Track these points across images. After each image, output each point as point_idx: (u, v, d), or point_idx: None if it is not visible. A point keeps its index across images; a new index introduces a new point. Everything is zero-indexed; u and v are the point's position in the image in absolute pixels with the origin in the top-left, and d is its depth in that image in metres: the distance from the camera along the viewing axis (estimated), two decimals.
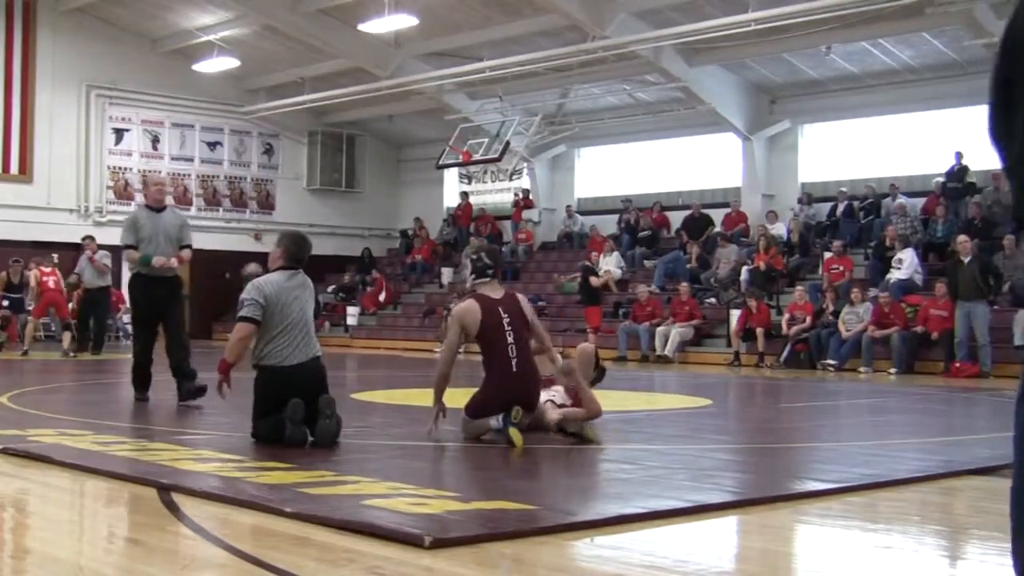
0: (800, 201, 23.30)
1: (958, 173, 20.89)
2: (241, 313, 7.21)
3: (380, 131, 31.69)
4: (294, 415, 6.91)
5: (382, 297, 28.33)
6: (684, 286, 21.23)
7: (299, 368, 7.18)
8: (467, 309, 7.46)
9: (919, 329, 17.59)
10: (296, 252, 7.51)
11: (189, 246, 10.49)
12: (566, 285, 24.56)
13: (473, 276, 7.71)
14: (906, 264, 19.19)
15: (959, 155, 20.90)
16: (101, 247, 19.93)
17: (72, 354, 18.66)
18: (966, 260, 17.00)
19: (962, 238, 17.51)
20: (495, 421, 7.28)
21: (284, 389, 7.00)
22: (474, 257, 7.74)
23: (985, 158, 21.07)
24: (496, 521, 4.69)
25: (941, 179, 21.15)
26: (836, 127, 24.13)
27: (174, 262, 10.23)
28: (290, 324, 7.21)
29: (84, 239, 20.76)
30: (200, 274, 29.48)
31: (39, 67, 26.78)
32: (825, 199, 23.47)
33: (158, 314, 10.34)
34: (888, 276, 19.31)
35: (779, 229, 22.71)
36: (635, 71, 24.13)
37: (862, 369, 17.69)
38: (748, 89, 24.18)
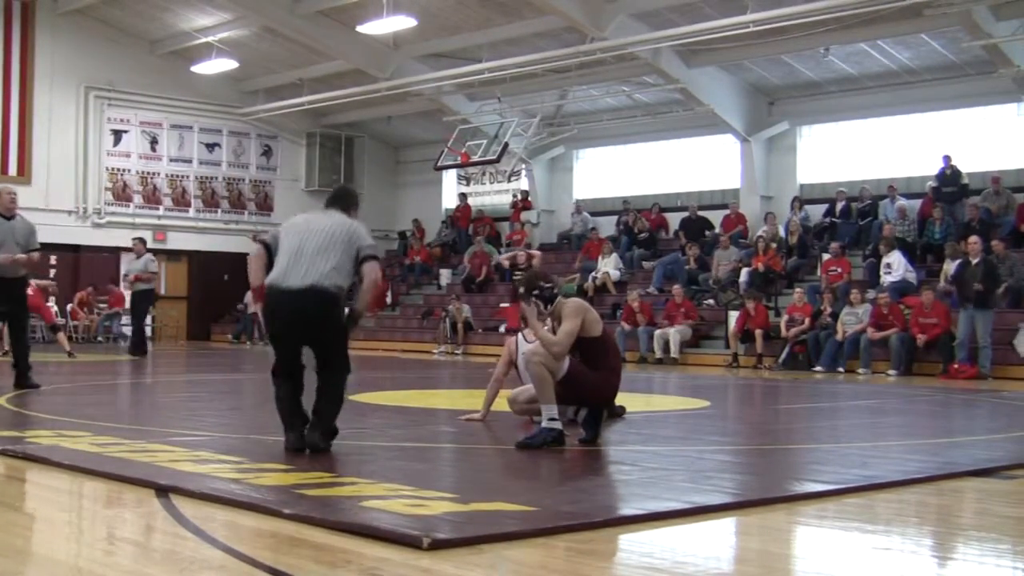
0: (793, 206, 23.25)
1: (951, 177, 20.88)
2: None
3: (379, 132, 31.70)
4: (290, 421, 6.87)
5: (388, 298, 28.34)
6: (677, 288, 21.22)
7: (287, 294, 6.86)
8: (588, 307, 7.42)
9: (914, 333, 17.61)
10: (330, 196, 7.42)
11: (37, 250, 11.51)
12: (565, 287, 24.47)
13: (548, 306, 7.52)
14: (895, 267, 19.20)
15: (947, 158, 20.91)
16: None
17: (73, 355, 18.63)
18: (974, 261, 17.01)
19: (973, 239, 17.49)
20: (571, 413, 7.30)
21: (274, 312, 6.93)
22: (536, 291, 7.54)
23: (979, 160, 21.12)
24: (494, 522, 4.69)
25: (932, 184, 21.13)
26: (835, 128, 24.15)
27: (20, 258, 11.15)
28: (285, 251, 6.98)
29: (133, 240, 20.97)
30: (198, 276, 29.54)
31: (38, 68, 26.79)
32: (823, 200, 23.48)
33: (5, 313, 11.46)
34: (882, 281, 19.30)
35: (779, 230, 22.71)
36: (634, 72, 24.14)
37: (860, 370, 17.69)
38: (747, 90, 24.19)
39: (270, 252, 7.00)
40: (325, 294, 6.74)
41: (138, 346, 19.68)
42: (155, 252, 24.50)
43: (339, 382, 6.93)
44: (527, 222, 28.28)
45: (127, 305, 27.05)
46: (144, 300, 20.10)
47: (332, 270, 6.76)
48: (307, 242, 6.85)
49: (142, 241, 20.86)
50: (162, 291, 21.05)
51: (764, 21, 19.60)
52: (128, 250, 27.79)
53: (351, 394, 8.57)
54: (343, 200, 7.29)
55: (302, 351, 6.93)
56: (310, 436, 6.74)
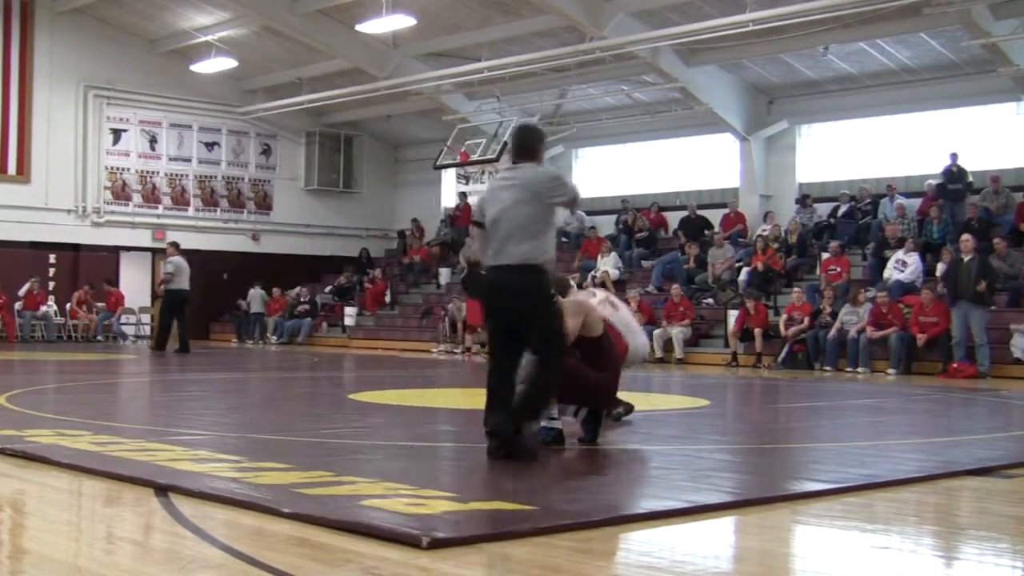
0: (798, 202, 23.30)
1: (957, 174, 20.88)
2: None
3: (378, 131, 31.69)
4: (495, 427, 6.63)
5: (387, 297, 28.36)
6: (676, 288, 21.23)
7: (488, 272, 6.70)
8: (591, 307, 7.44)
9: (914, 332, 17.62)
10: (510, 145, 7.07)
11: None
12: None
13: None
14: (911, 267, 19.19)
15: (954, 156, 20.90)
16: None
17: None
18: (966, 259, 17.01)
19: (964, 237, 17.50)
20: (570, 413, 7.33)
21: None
22: None
23: (980, 158, 21.11)
24: (494, 521, 4.70)
25: (937, 180, 21.14)
26: (834, 127, 24.15)
27: None
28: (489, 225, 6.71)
29: (168, 244, 21.81)
30: (198, 275, 29.47)
31: (37, 67, 26.77)
32: (823, 199, 23.49)
33: None
34: (888, 277, 19.30)
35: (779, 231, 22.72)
36: (633, 72, 24.14)
37: (860, 370, 17.70)
38: (746, 89, 24.19)
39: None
40: (522, 268, 6.48)
41: (160, 344, 20.95)
42: (155, 251, 24.57)
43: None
44: None
45: (126, 305, 27.21)
46: (170, 300, 21.00)
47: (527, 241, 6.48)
48: (502, 215, 6.55)
49: (172, 244, 21.73)
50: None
51: (763, 20, 19.58)
52: (129, 250, 27.96)
53: (350, 394, 8.57)
54: (526, 149, 6.83)
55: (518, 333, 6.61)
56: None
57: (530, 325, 6.52)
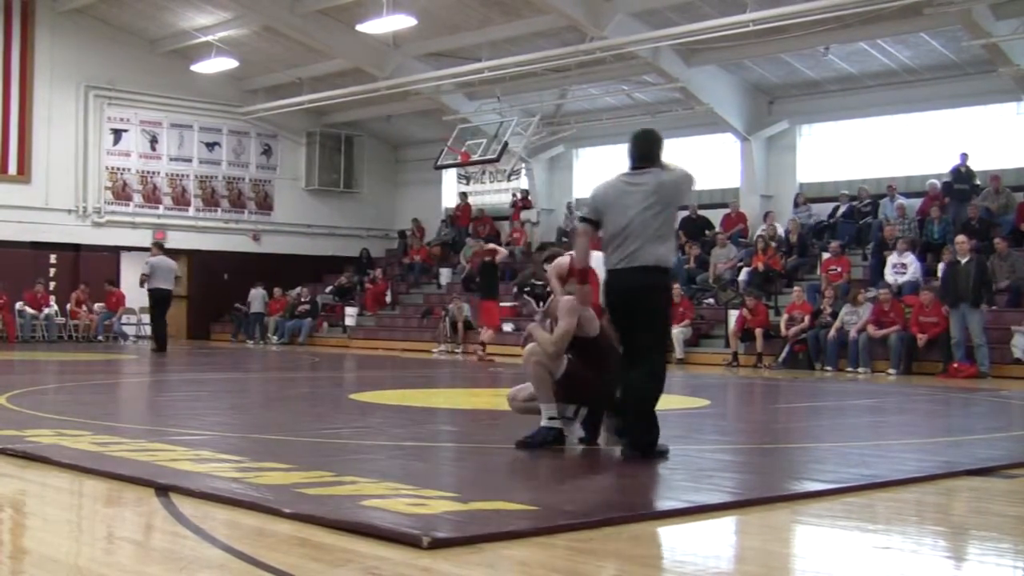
0: (796, 203, 23.27)
1: (965, 175, 20.86)
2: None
3: (378, 131, 31.69)
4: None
5: (388, 297, 28.36)
6: (676, 288, 21.21)
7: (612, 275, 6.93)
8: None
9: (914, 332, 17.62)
10: (631, 150, 7.21)
11: None
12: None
13: (540, 303, 7.48)
14: (910, 269, 19.19)
15: (964, 156, 20.87)
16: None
17: None
18: (963, 260, 17.00)
19: (960, 238, 17.50)
20: (570, 412, 7.32)
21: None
22: (528, 289, 7.53)
23: (981, 158, 21.11)
24: (495, 521, 4.69)
25: (945, 179, 21.08)
26: (834, 127, 24.13)
27: None
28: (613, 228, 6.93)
29: (152, 244, 22.11)
30: (198, 275, 29.52)
31: (37, 67, 26.77)
32: (823, 199, 23.48)
33: None
34: (891, 281, 19.25)
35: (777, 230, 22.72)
36: (633, 72, 24.13)
37: (861, 370, 17.69)
38: (746, 89, 24.18)
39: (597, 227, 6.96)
40: (656, 270, 6.78)
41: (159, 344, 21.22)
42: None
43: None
44: (527, 221, 28.28)
45: (127, 305, 27.20)
46: (151, 300, 21.43)
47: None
48: (633, 220, 6.79)
49: (155, 245, 22.13)
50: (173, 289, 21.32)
51: (764, 20, 19.57)
52: (129, 250, 27.96)
53: (351, 394, 8.57)
54: (647, 154, 7.09)
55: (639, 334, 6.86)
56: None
57: (651, 323, 6.83)
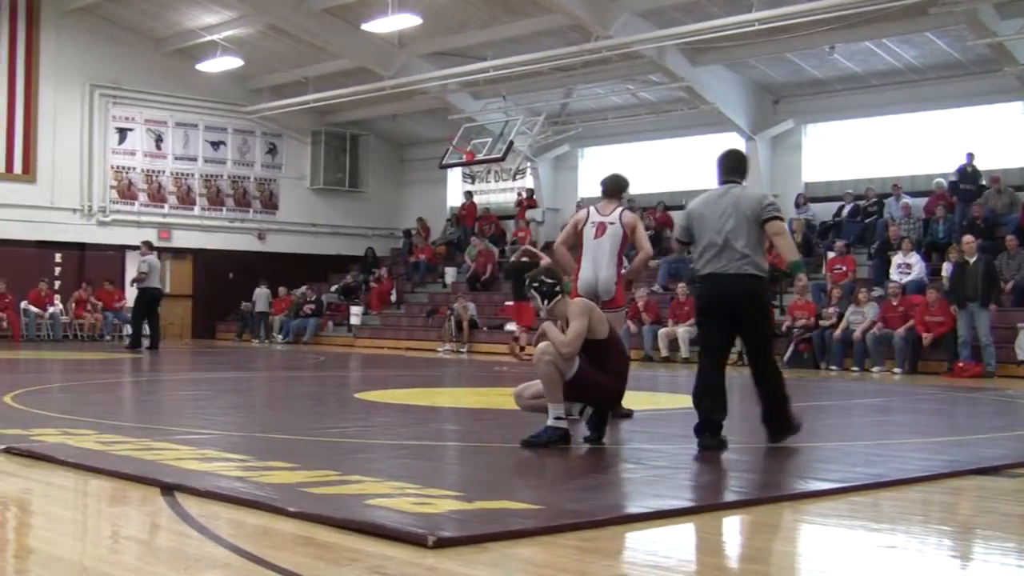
0: (798, 204, 23.22)
1: (971, 174, 20.83)
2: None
3: (384, 131, 31.71)
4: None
5: (393, 296, 28.36)
6: (681, 287, 21.20)
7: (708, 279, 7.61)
8: (593, 307, 7.46)
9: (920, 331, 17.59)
10: (719, 166, 7.99)
11: None
12: (568, 284, 24.46)
13: (545, 301, 7.47)
14: (915, 269, 19.17)
15: (971, 156, 20.84)
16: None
17: None
18: (971, 260, 16.97)
19: (967, 238, 17.47)
20: (576, 411, 7.31)
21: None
22: (536, 284, 7.51)
23: (986, 157, 21.08)
24: (500, 521, 4.69)
25: (951, 178, 21.06)
26: (840, 127, 24.12)
27: None
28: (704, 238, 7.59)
29: (142, 243, 22.09)
30: (203, 274, 29.55)
31: (43, 66, 26.80)
32: (828, 199, 23.46)
33: None
34: (895, 279, 19.22)
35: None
36: (639, 71, 24.13)
37: (867, 369, 17.67)
38: (752, 89, 24.16)
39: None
40: (751, 277, 7.46)
41: (134, 343, 21.20)
42: (160, 250, 24.58)
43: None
44: (532, 220, 28.28)
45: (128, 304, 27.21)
46: (142, 299, 21.43)
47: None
48: (723, 234, 7.48)
49: (145, 243, 21.97)
50: (166, 289, 21.44)
51: (769, 19, 19.57)
52: (135, 249, 27.94)
53: (356, 393, 8.56)
54: (733, 169, 7.96)
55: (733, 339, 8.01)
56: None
57: (756, 327, 7.81)
